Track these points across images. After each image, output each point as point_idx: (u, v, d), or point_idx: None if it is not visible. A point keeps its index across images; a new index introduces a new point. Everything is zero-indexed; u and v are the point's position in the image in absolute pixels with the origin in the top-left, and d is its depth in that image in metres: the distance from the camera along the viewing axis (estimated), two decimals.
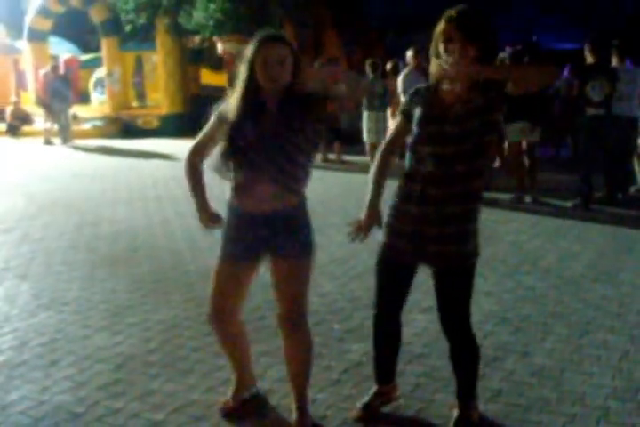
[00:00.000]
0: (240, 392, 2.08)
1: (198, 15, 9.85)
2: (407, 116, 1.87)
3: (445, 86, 1.81)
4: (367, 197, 1.93)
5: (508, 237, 4.27)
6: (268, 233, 1.87)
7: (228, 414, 2.06)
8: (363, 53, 10.49)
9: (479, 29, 1.69)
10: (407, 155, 1.86)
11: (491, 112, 1.76)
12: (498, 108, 1.77)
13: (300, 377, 1.98)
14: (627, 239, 4.17)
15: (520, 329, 2.75)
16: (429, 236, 1.80)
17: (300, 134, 1.80)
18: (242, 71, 1.81)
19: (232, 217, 1.91)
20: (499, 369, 2.36)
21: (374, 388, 2.05)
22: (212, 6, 9.73)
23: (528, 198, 5.25)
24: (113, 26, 11.31)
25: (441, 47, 1.73)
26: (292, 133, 1.80)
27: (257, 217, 1.86)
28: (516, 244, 4.11)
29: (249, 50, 1.81)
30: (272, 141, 1.81)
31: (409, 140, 1.86)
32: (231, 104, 1.84)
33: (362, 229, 1.93)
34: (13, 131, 11.09)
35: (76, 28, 14.02)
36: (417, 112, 1.84)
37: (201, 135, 1.95)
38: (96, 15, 11.52)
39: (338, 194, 5.71)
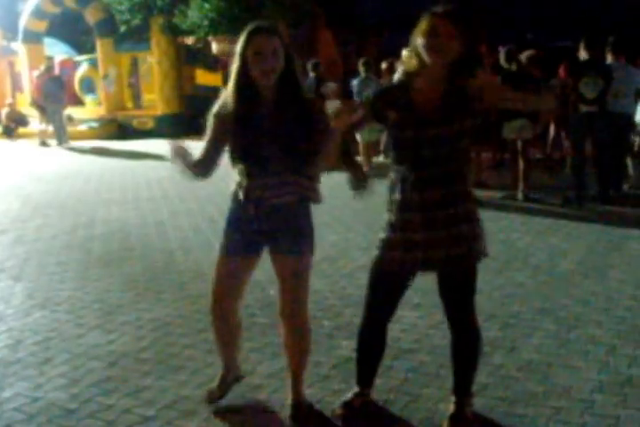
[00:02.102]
0: (226, 378, 2.12)
1: (193, 15, 9.87)
2: (375, 113, 1.80)
3: (418, 85, 1.75)
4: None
5: (499, 234, 4.31)
6: (269, 227, 1.88)
7: (213, 402, 2.10)
8: (358, 53, 10.53)
9: (467, 26, 1.68)
10: (392, 163, 1.82)
11: (470, 109, 1.72)
12: (477, 109, 1.73)
13: (299, 368, 2.02)
14: (616, 236, 4.21)
15: (509, 325, 2.79)
16: (439, 240, 1.77)
17: (301, 125, 1.80)
18: (234, 65, 1.80)
19: (235, 209, 1.93)
20: (486, 364, 2.39)
21: (355, 388, 2.06)
22: (207, 6, 9.76)
23: (520, 196, 5.29)
24: (108, 26, 11.32)
25: (420, 41, 1.68)
26: (292, 124, 1.80)
27: (260, 208, 1.86)
28: (506, 241, 4.15)
29: (239, 42, 1.79)
30: (275, 132, 1.81)
31: (390, 145, 1.81)
32: (227, 100, 1.83)
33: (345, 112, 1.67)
34: (9, 132, 11.10)
35: (71, 29, 14.02)
36: (391, 115, 1.77)
37: (204, 146, 1.92)
38: (91, 16, 11.52)
39: (330, 194, 5.73)
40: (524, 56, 6.25)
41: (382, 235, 1.84)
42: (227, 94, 1.84)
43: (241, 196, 1.88)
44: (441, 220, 1.76)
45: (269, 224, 1.88)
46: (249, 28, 1.79)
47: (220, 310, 1.99)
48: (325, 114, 1.68)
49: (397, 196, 1.78)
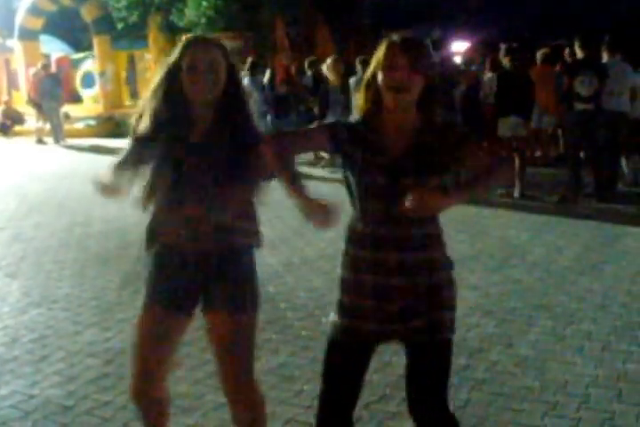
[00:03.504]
0: None
1: (190, 13, 9.85)
2: (336, 144, 1.42)
3: (383, 126, 1.40)
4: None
5: (495, 231, 4.32)
6: (199, 279, 1.52)
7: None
8: (356, 50, 10.52)
9: (425, 56, 1.38)
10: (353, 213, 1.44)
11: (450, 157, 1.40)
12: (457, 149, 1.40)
13: None
14: (612, 233, 4.23)
15: (505, 321, 2.80)
16: (393, 310, 1.39)
17: (237, 159, 1.48)
18: (161, 79, 1.50)
19: (154, 254, 1.56)
20: (483, 360, 2.41)
21: None
22: (204, 4, 9.74)
23: (516, 193, 5.30)
24: (105, 24, 11.28)
25: (380, 77, 1.37)
26: (227, 158, 1.47)
27: (186, 256, 1.51)
28: (503, 238, 4.16)
29: (172, 53, 1.50)
30: (203, 165, 1.48)
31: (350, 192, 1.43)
32: (150, 121, 1.52)
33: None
34: (5, 130, 11.06)
35: (67, 27, 13.97)
36: (355, 155, 1.40)
37: (121, 160, 1.60)
38: (87, 13, 11.49)
39: (327, 192, 5.73)
40: (539, 53, 6.29)
41: (339, 296, 1.46)
42: (149, 117, 1.53)
43: (158, 239, 1.53)
44: (400, 288, 1.39)
45: (199, 273, 1.52)
46: (187, 38, 1.54)
47: (146, 385, 1.56)
48: (262, 158, 1.41)
49: (352, 250, 1.43)
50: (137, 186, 1.55)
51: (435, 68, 1.44)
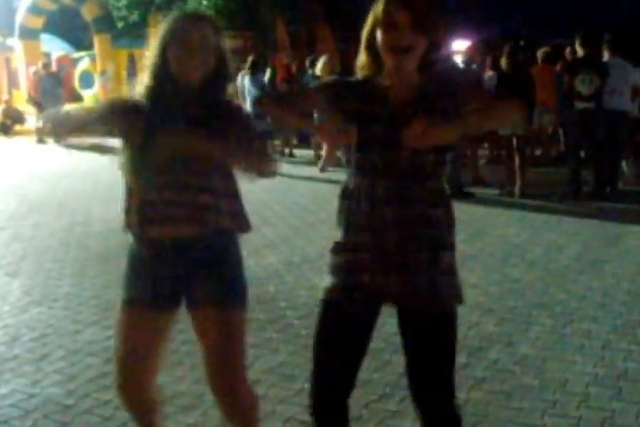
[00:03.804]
0: None
1: None
2: (334, 102, 1.34)
3: (385, 81, 1.32)
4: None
5: (495, 230, 4.32)
6: (181, 270, 1.41)
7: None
8: (357, 48, 10.51)
9: (432, 13, 1.25)
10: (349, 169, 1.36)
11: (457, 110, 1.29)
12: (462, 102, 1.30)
13: None
14: (612, 232, 4.22)
15: (505, 320, 2.80)
16: (390, 265, 1.30)
17: (222, 135, 1.38)
18: (151, 55, 1.42)
19: (131, 248, 1.48)
20: (483, 359, 2.41)
21: None
22: (205, 2, 9.76)
23: (516, 192, 5.30)
24: (105, 23, 11.30)
25: (380, 36, 1.25)
26: (212, 133, 1.38)
27: (164, 247, 1.41)
28: (503, 237, 4.16)
29: (161, 30, 1.42)
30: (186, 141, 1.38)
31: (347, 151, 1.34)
32: (139, 95, 1.44)
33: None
34: (6, 130, 11.06)
35: (68, 26, 13.98)
36: (355, 108, 1.31)
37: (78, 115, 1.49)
38: (88, 12, 11.50)
39: (327, 190, 5.75)
40: (539, 53, 6.29)
41: (332, 260, 1.36)
42: (139, 91, 1.45)
43: (133, 230, 1.44)
44: (397, 243, 1.30)
45: (179, 266, 1.42)
46: (176, 14, 1.45)
47: (133, 387, 1.48)
48: (251, 121, 1.42)
49: (346, 206, 1.34)
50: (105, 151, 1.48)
51: (440, 26, 1.30)
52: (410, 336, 1.34)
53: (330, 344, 1.34)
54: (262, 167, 1.43)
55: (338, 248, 1.35)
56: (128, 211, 1.45)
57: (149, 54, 1.43)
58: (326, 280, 1.35)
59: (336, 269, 1.33)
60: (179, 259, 1.42)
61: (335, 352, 1.34)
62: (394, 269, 1.30)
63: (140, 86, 1.45)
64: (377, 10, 1.26)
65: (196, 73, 1.40)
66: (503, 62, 5.29)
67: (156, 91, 1.42)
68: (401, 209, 1.29)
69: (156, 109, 1.41)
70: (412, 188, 1.29)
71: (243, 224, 1.47)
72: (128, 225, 1.46)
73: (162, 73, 1.41)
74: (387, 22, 1.23)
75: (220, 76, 1.44)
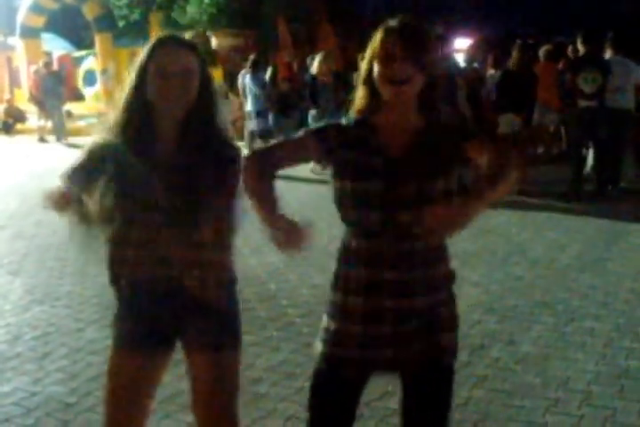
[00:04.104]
0: None
1: (192, 10, 9.86)
2: (327, 150, 1.26)
3: (381, 122, 1.25)
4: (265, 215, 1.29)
5: (497, 229, 4.31)
6: (175, 310, 1.35)
7: None
8: (359, 47, 10.50)
9: (428, 46, 1.21)
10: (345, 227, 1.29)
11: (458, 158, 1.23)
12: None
13: None
14: (614, 231, 4.22)
15: (507, 318, 2.79)
16: (405, 334, 1.24)
17: (208, 172, 1.30)
18: (129, 82, 1.32)
19: (118, 289, 1.40)
20: (484, 357, 2.40)
21: None
22: (206, 1, 9.74)
23: (518, 191, 5.29)
24: (106, 22, 11.29)
25: (376, 68, 1.20)
26: (197, 171, 1.29)
27: (155, 290, 1.34)
28: (505, 236, 4.15)
29: (140, 54, 1.31)
30: (171, 179, 1.29)
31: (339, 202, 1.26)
32: (113, 129, 1.33)
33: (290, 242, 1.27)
34: (7, 128, 11.07)
35: (69, 25, 13.98)
36: (348, 158, 1.24)
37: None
38: (89, 11, 11.49)
39: (328, 188, 5.74)
40: (541, 51, 6.27)
41: (325, 322, 1.29)
42: (112, 125, 1.34)
43: (121, 272, 1.37)
44: (394, 310, 1.24)
45: (172, 307, 1.35)
46: (157, 37, 1.35)
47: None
48: (239, 165, 1.29)
49: (343, 270, 1.27)
50: (91, 202, 1.36)
51: (438, 61, 1.28)
52: (406, 391, 1.31)
53: (325, 409, 1.33)
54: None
55: (330, 313, 1.28)
56: (114, 260, 1.38)
57: (124, 84, 1.32)
58: (318, 347, 1.30)
59: (328, 338, 1.28)
60: (171, 301, 1.35)
61: (331, 416, 1.33)
62: (389, 340, 1.24)
63: (110, 119, 1.33)
64: (374, 42, 1.22)
65: (174, 104, 1.28)
66: (514, 58, 5.26)
67: (131, 124, 1.30)
68: (401, 272, 1.22)
69: (131, 146, 1.29)
70: (414, 247, 1.22)
71: (231, 277, 1.41)
72: (119, 273, 1.39)
73: (138, 104, 1.28)
74: (384, 54, 1.19)
75: (206, 106, 1.32)
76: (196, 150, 1.31)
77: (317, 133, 1.29)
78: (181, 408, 2.09)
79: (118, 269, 1.38)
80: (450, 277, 1.29)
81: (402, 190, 1.20)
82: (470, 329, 2.63)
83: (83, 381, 2.29)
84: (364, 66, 1.25)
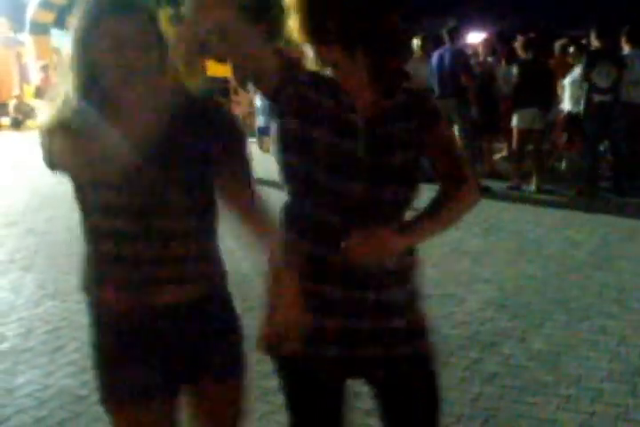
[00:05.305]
0: None
1: None
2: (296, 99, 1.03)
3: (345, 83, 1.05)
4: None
5: (510, 225, 4.28)
6: (169, 343, 1.13)
7: None
8: None
9: None
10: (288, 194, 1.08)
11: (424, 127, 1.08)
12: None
13: None
14: (629, 228, 4.16)
15: (519, 315, 2.77)
16: (372, 331, 1.09)
17: (189, 156, 1.07)
18: (72, 54, 1.05)
19: (106, 325, 1.13)
20: (496, 354, 2.39)
21: None
22: None
23: (533, 187, 5.24)
24: None
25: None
26: (176, 155, 1.07)
27: (150, 318, 1.10)
28: (519, 232, 4.11)
29: (76, 21, 1.04)
30: (143, 170, 1.05)
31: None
32: (63, 109, 1.07)
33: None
34: (17, 125, 11.16)
35: None
36: (319, 107, 1.02)
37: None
38: None
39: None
40: (557, 44, 6.20)
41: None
42: (60, 104, 1.08)
43: (104, 302, 1.11)
44: (376, 301, 1.07)
45: (173, 336, 1.13)
46: (97, 4, 1.05)
47: None
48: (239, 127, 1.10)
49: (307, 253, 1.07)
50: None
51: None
52: (385, 403, 1.15)
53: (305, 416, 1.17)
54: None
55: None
56: (90, 274, 1.13)
57: (65, 58, 1.06)
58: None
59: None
60: (161, 332, 1.12)
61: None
62: (367, 338, 1.09)
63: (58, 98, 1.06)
64: None
65: (130, 71, 1.03)
66: (526, 51, 5.19)
67: (84, 92, 1.04)
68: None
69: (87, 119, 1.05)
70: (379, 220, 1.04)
71: (223, 288, 1.20)
72: (93, 297, 1.14)
73: (88, 75, 1.04)
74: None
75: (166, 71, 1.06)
76: (182, 142, 1.11)
77: (291, 66, 1.06)
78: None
79: (95, 296, 1.17)
80: (416, 267, 1.13)
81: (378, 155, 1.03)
82: (482, 326, 2.62)
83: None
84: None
